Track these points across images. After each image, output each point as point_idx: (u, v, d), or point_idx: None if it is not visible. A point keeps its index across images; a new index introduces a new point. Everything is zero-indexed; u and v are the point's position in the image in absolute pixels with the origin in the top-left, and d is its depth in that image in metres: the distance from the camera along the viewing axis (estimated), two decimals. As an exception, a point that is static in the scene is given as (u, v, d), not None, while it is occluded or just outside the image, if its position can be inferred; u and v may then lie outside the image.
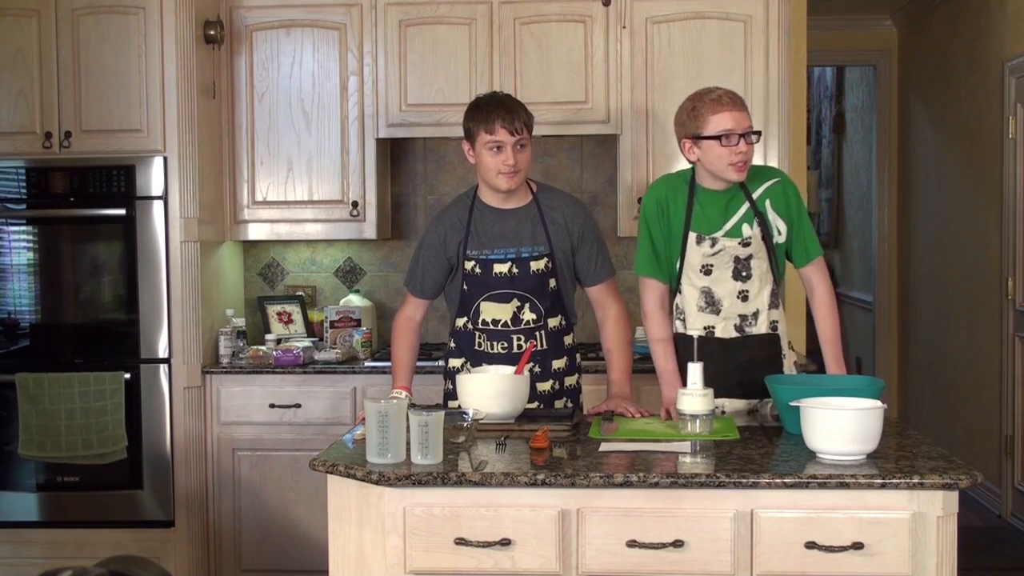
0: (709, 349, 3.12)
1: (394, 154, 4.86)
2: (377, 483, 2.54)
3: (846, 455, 2.56)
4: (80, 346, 4.30)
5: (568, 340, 3.43)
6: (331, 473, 2.64)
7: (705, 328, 3.17)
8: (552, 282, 3.33)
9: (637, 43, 4.43)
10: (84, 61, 4.24)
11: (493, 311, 3.32)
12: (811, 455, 2.62)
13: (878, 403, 2.69)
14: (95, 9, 4.23)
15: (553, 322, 3.36)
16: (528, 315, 3.32)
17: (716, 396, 2.98)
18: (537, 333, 3.33)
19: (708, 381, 2.95)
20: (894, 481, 2.44)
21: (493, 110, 3.21)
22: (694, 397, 2.87)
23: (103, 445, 4.21)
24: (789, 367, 3.24)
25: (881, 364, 7.49)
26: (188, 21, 4.23)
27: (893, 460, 2.60)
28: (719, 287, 3.15)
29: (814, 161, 9.21)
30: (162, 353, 4.25)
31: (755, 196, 3.13)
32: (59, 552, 4.23)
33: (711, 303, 3.17)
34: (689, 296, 3.18)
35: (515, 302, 3.31)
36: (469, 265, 3.32)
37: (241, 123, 4.54)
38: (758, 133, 3.07)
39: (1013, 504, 5.54)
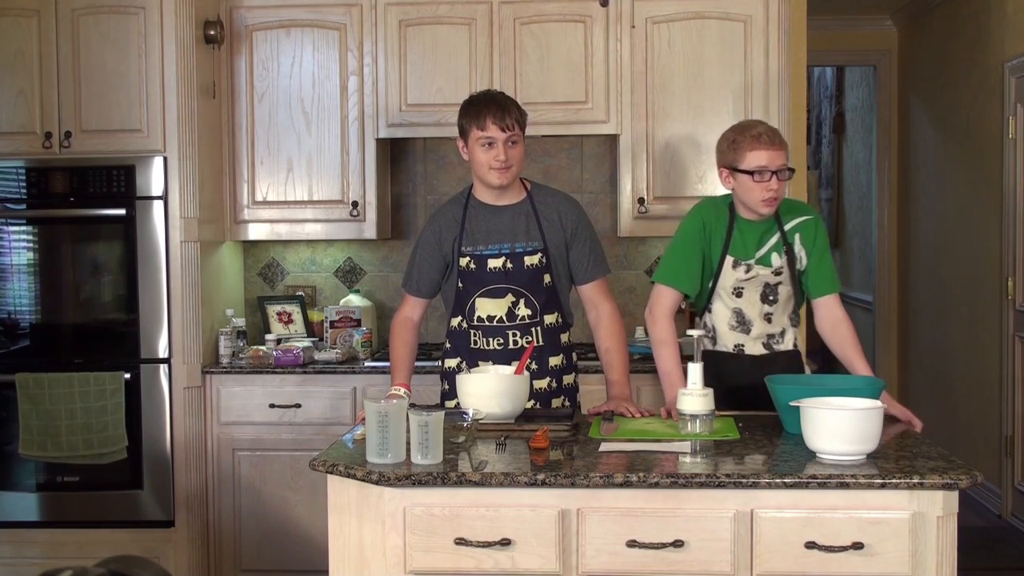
0: (737, 366, 3.28)
1: (394, 154, 4.86)
2: (377, 483, 2.55)
3: (846, 455, 2.56)
4: (80, 346, 4.30)
5: (565, 338, 3.44)
6: (331, 473, 2.64)
7: (735, 346, 3.31)
8: (547, 278, 3.34)
9: (637, 43, 4.43)
10: (84, 61, 4.24)
11: (488, 307, 3.33)
12: (811, 455, 2.62)
13: (878, 403, 2.69)
14: (95, 9, 4.23)
15: (549, 319, 3.37)
16: (523, 311, 3.33)
17: (748, 410, 3.16)
18: (533, 329, 3.35)
19: (740, 396, 3.18)
20: (894, 481, 2.44)
21: (485, 107, 3.24)
22: (694, 397, 2.87)
23: (103, 445, 4.21)
24: None
25: (881, 364, 7.48)
26: (188, 21, 4.23)
27: (893, 460, 2.60)
28: (749, 309, 3.29)
29: (814, 161, 9.22)
30: (162, 353, 4.25)
31: (787, 228, 3.29)
32: (59, 552, 4.23)
33: (742, 323, 3.30)
34: (720, 315, 3.31)
35: (510, 297, 3.32)
36: (464, 262, 3.33)
37: (241, 123, 4.54)
38: (792, 170, 3.21)
39: (1013, 504, 5.54)
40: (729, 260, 3.26)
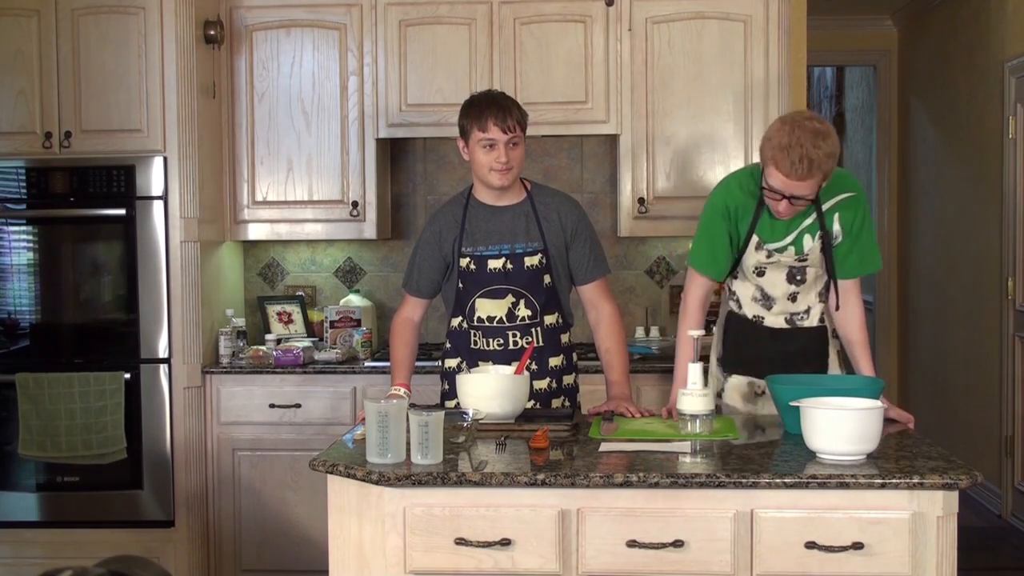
0: (756, 335, 3.24)
1: (394, 154, 4.86)
2: (377, 483, 2.54)
3: (846, 455, 2.56)
4: (80, 346, 4.30)
5: (565, 338, 3.44)
6: (331, 473, 2.64)
7: (755, 316, 3.26)
8: (547, 278, 3.34)
9: (637, 43, 4.43)
10: (84, 61, 4.24)
11: (488, 308, 3.33)
12: (811, 455, 2.62)
13: (878, 403, 2.69)
14: (95, 9, 4.23)
15: (549, 319, 3.37)
16: (523, 311, 3.32)
17: (759, 377, 3.17)
18: (533, 330, 3.34)
19: (752, 365, 3.19)
20: (894, 481, 2.44)
21: (486, 108, 3.23)
22: (694, 397, 2.87)
23: (103, 445, 4.21)
24: (833, 357, 3.28)
25: (881, 364, 7.47)
26: (188, 21, 4.23)
27: (893, 460, 2.60)
28: (772, 288, 3.22)
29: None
30: (162, 353, 4.25)
31: (825, 208, 3.11)
32: (59, 552, 4.23)
33: (764, 298, 3.24)
34: (744, 287, 3.26)
35: (510, 298, 3.32)
36: (464, 262, 3.33)
37: (241, 123, 4.54)
38: (809, 200, 2.99)
39: (1013, 504, 5.54)
40: (754, 240, 3.15)
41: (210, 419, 4.35)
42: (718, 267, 3.24)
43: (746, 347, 3.26)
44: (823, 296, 3.24)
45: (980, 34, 5.91)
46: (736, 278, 3.28)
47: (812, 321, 3.24)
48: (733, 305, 3.32)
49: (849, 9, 7.04)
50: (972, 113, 6.03)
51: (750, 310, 3.27)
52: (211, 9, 4.41)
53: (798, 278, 3.19)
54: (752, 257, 3.18)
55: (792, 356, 3.19)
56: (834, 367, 3.28)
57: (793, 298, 3.23)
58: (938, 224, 6.65)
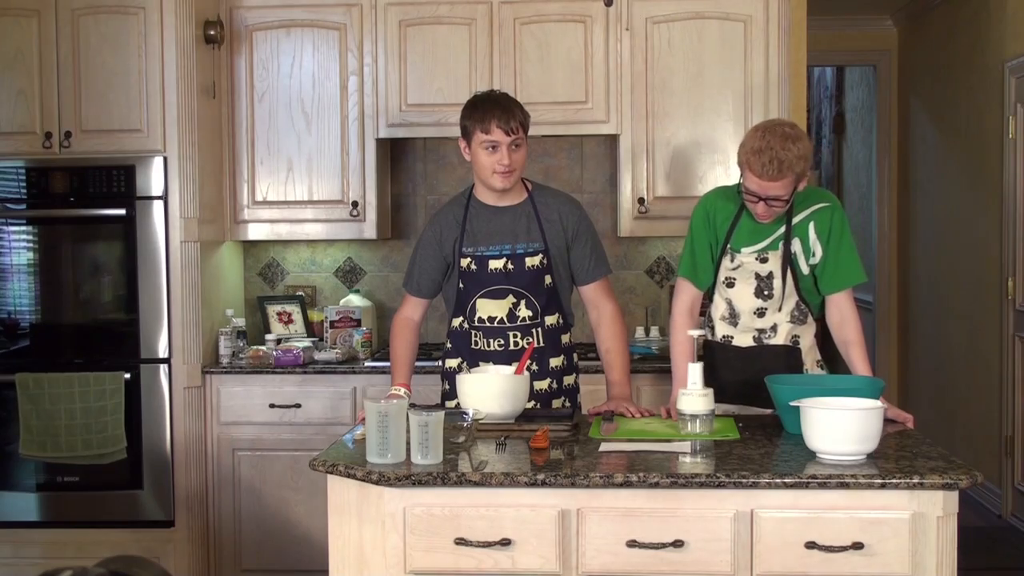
0: (727, 357, 3.25)
1: (394, 154, 4.86)
2: (377, 483, 2.55)
3: (846, 455, 2.56)
4: (80, 346, 4.30)
5: (566, 339, 3.44)
6: (331, 473, 2.64)
7: (723, 336, 3.29)
8: (548, 279, 3.34)
9: (637, 43, 4.43)
10: (84, 61, 4.24)
11: (489, 308, 3.33)
12: (811, 455, 2.62)
13: (878, 403, 2.69)
14: (95, 9, 4.23)
15: (550, 320, 3.37)
16: (524, 312, 3.32)
17: (733, 403, 3.16)
18: (533, 330, 3.34)
19: (727, 389, 3.16)
20: (894, 481, 2.44)
21: (489, 110, 3.22)
22: (694, 397, 2.87)
23: (103, 445, 4.21)
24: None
25: (881, 364, 7.48)
26: (188, 21, 4.23)
27: (893, 460, 2.60)
28: (740, 301, 3.25)
29: (814, 161, 9.20)
30: (162, 353, 4.25)
31: (798, 219, 3.19)
32: (59, 552, 4.23)
33: (732, 315, 3.27)
34: (717, 306, 3.31)
35: (511, 298, 3.32)
36: (465, 262, 3.33)
37: (241, 123, 4.54)
38: (785, 200, 3.09)
39: (1013, 504, 5.54)
40: (727, 249, 3.23)
41: (210, 419, 4.35)
42: (698, 274, 3.29)
43: (718, 372, 3.25)
44: (798, 318, 3.24)
45: (980, 34, 5.91)
46: (712, 301, 3.31)
47: (779, 340, 3.24)
48: (708, 332, 3.35)
49: (849, 9, 7.04)
50: (972, 113, 6.03)
51: (720, 330, 3.30)
52: (211, 9, 4.41)
53: (765, 293, 3.22)
54: (723, 267, 3.25)
55: (761, 375, 3.09)
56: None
57: (760, 313, 3.23)
58: (938, 224, 6.66)
